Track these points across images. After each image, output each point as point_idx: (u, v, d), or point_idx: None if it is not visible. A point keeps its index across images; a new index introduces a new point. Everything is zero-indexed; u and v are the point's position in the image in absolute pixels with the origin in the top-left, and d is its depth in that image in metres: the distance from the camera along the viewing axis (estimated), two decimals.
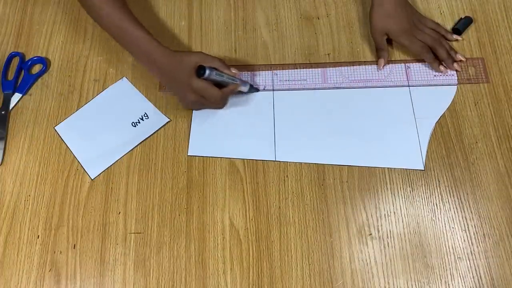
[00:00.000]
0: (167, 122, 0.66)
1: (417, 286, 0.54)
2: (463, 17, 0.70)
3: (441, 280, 0.54)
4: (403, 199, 0.59)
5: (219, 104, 0.64)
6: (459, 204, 0.58)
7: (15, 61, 0.73)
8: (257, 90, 0.67)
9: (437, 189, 0.59)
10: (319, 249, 0.57)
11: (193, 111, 0.66)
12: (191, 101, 0.62)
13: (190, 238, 0.58)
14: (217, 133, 0.65)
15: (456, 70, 0.65)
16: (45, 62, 0.71)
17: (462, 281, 0.54)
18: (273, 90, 0.67)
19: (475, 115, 0.63)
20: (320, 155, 0.62)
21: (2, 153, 0.65)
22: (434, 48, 0.65)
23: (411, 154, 0.61)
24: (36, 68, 0.72)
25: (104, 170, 0.63)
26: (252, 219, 0.59)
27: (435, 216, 0.57)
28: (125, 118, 0.67)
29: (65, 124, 0.67)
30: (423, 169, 0.59)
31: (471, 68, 0.66)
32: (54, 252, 0.59)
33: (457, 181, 0.59)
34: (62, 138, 0.66)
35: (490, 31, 0.69)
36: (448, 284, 0.54)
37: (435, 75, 0.65)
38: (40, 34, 0.75)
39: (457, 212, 0.57)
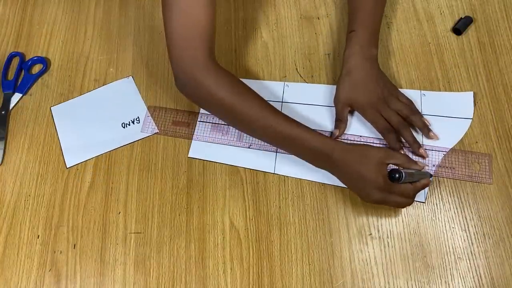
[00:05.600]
0: (155, 133, 0.65)
1: (417, 286, 0.54)
2: (463, 17, 0.70)
3: (441, 280, 0.54)
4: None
5: (409, 202, 0.55)
6: (459, 204, 0.58)
7: (15, 61, 0.73)
8: (431, 175, 0.58)
9: (437, 189, 0.59)
10: (319, 249, 0.57)
11: (198, 117, 0.66)
12: (376, 200, 0.54)
13: (190, 238, 0.58)
14: (219, 138, 0.64)
15: (423, 157, 0.59)
16: (45, 62, 0.71)
17: (462, 281, 0.54)
18: (282, 102, 0.66)
19: (475, 115, 0.63)
20: (319, 174, 0.60)
21: (2, 153, 0.65)
22: (398, 130, 0.60)
23: None
24: (36, 68, 0.72)
25: (80, 163, 0.64)
26: (252, 219, 0.59)
27: (435, 216, 0.57)
28: (117, 117, 0.67)
29: (62, 107, 0.68)
30: (424, 201, 0.58)
31: (475, 164, 0.59)
32: (54, 252, 0.59)
33: (457, 181, 0.59)
34: (54, 119, 0.67)
35: (490, 31, 0.69)
36: (448, 284, 0.54)
37: (433, 165, 0.60)
38: (40, 34, 0.75)
39: (457, 212, 0.57)
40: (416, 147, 0.59)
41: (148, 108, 0.67)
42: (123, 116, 0.67)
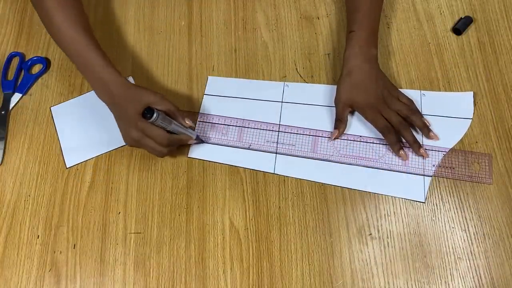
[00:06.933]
0: None
1: (417, 286, 0.54)
2: (463, 17, 0.70)
3: (441, 280, 0.54)
4: (403, 199, 0.59)
5: (161, 150, 0.58)
6: (459, 204, 0.58)
7: (15, 61, 0.73)
8: (202, 141, 0.63)
9: (437, 189, 0.59)
10: (319, 249, 0.57)
11: (198, 117, 0.66)
12: (133, 138, 0.57)
13: (190, 238, 0.58)
14: (219, 138, 0.64)
15: (423, 157, 0.60)
16: (45, 62, 0.71)
17: (462, 281, 0.54)
18: (282, 102, 0.66)
19: (475, 115, 0.63)
20: (319, 174, 0.60)
21: (2, 153, 0.65)
22: (398, 130, 0.60)
23: (414, 185, 0.59)
24: (36, 68, 0.72)
25: (80, 163, 0.64)
26: (252, 219, 0.59)
27: (435, 216, 0.57)
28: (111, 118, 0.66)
29: (61, 107, 0.68)
30: (424, 201, 0.58)
31: (475, 164, 0.59)
32: (54, 252, 0.59)
33: (457, 181, 0.59)
34: (54, 119, 0.67)
35: (490, 31, 0.69)
36: (448, 284, 0.54)
37: (433, 165, 0.59)
38: (40, 34, 0.75)
39: (457, 212, 0.57)
40: (416, 147, 0.59)
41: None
42: None
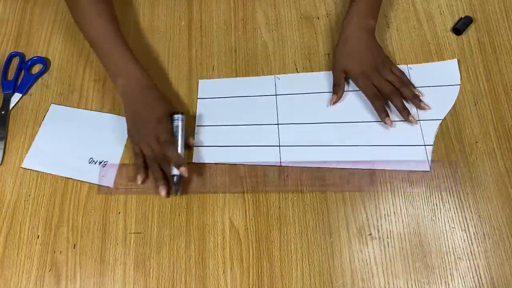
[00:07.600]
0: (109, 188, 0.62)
1: (417, 286, 0.54)
2: (463, 17, 0.70)
3: (441, 280, 0.54)
4: (403, 199, 0.59)
5: (168, 148, 0.58)
6: (459, 204, 0.58)
7: (15, 61, 0.73)
8: (176, 192, 0.59)
9: (437, 188, 0.59)
10: (319, 249, 0.57)
11: (196, 121, 0.66)
12: (150, 128, 0.59)
13: (190, 238, 0.58)
14: (220, 140, 0.64)
15: (412, 123, 0.61)
16: (45, 62, 0.71)
17: (462, 281, 0.54)
18: (276, 95, 0.67)
19: (475, 115, 0.63)
20: (325, 157, 0.61)
21: (2, 153, 0.65)
22: (389, 97, 0.62)
23: (417, 156, 0.60)
24: (36, 68, 0.72)
25: (34, 170, 0.63)
26: (252, 219, 0.59)
27: (435, 216, 0.57)
28: (91, 150, 0.64)
29: (60, 109, 0.68)
30: (429, 170, 0.59)
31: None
32: (54, 252, 0.59)
33: (457, 181, 0.59)
34: (46, 115, 0.67)
35: (490, 31, 0.69)
36: (448, 284, 0.54)
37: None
38: (40, 34, 0.75)
39: (457, 212, 0.57)
40: (405, 114, 0.61)
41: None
42: (95, 153, 0.64)
